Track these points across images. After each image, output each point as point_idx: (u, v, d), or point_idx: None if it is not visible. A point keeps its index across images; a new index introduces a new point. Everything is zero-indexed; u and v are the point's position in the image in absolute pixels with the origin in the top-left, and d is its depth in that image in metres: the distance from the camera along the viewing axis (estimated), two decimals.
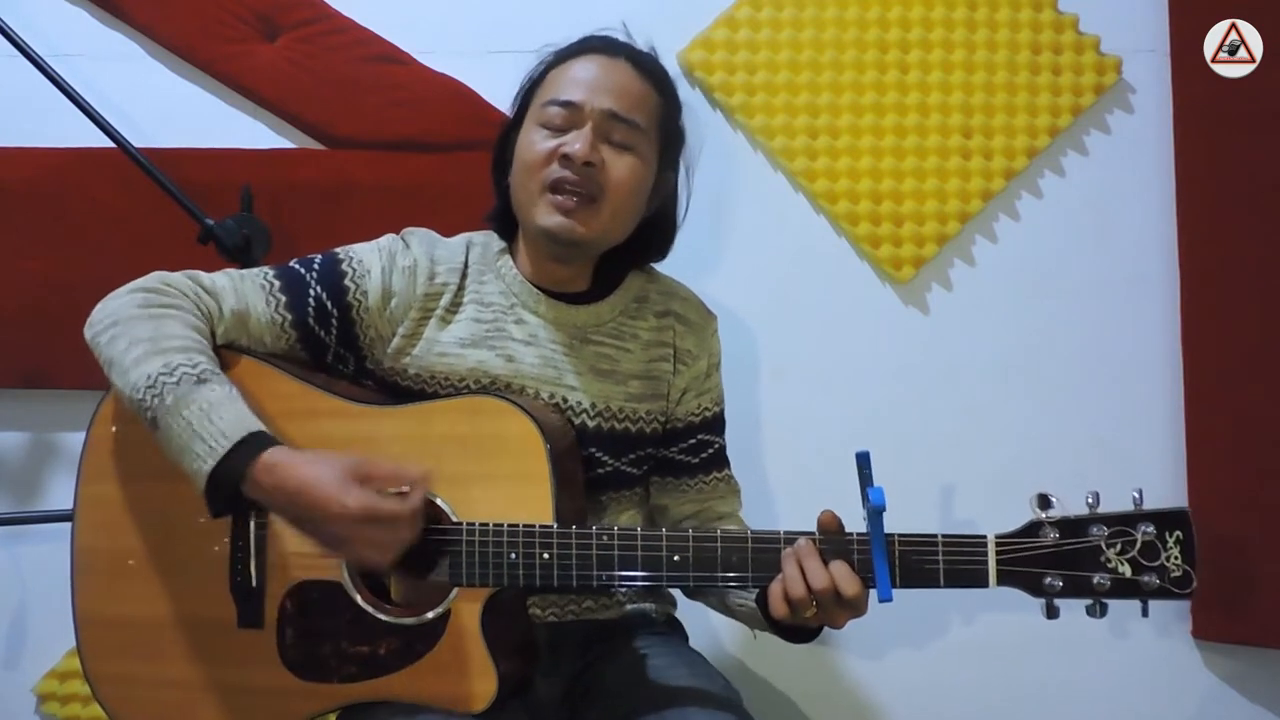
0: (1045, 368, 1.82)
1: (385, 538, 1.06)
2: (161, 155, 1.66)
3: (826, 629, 1.16)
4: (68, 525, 1.25)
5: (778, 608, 1.10)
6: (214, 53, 1.78)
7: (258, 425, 1.10)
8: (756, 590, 1.20)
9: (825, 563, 1.09)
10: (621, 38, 1.35)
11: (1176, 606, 1.77)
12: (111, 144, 1.59)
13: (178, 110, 1.79)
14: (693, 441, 1.40)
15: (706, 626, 1.72)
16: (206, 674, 1.19)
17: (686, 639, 1.42)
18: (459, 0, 1.82)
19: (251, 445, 1.08)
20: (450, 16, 1.82)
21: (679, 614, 1.45)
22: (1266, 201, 1.75)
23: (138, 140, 1.63)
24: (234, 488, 1.08)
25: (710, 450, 1.41)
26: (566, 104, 1.27)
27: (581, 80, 1.28)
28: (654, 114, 1.32)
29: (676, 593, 1.46)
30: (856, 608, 1.10)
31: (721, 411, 1.44)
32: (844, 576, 1.08)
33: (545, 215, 1.26)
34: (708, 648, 1.51)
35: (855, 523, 1.13)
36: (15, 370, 1.75)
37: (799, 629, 1.17)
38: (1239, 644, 1.76)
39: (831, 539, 1.11)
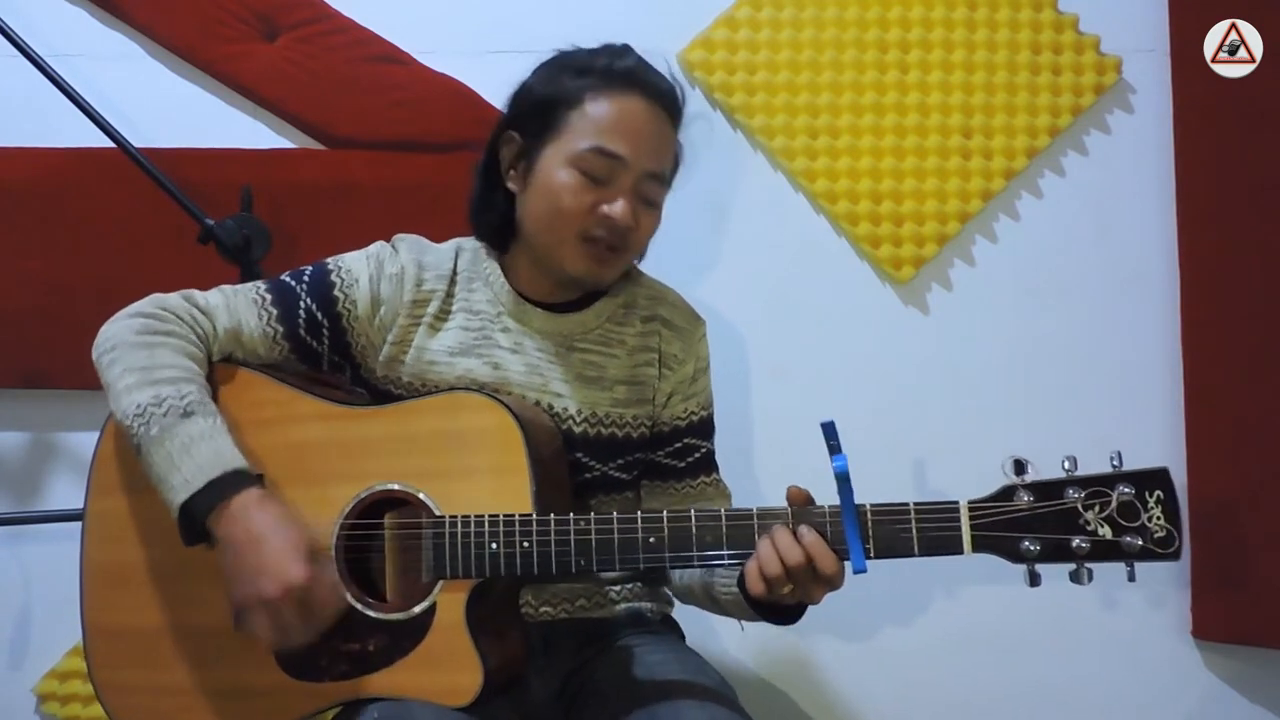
0: (1045, 368, 1.82)
1: (296, 621, 1.09)
2: (161, 155, 1.66)
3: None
4: (68, 525, 1.26)
5: (754, 585, 1.10)
6: (214, 53, 1.78)
7: (236, 463, 1.13)
8: (738, 573, 1.20)
9: (797, 536, 1.09)
10: (649, 61, 1.33)
11: (1176, 607, 1.77)
12: (111, 144, 1.59)
13: (178, 110, 1.79)
14: (679, 445, 1.39)
15: (703, 625, 1.72)
16: (206, 678, 1.20)
17: (683, 638, 1.42)
18: (459, 0, 1.82)
19: (227, 484, 1.11)
20: (450, 16, 1.82)
21: (675, 613, 1.45)
22: (1266, 201, 1.75)
23: (138, 140, 1.63)
24: (202, 521, 1.11)
25: (697, 454, 1.41)
26: (613, 157, 1.25)
27: (629, 132, 1.25)
28: (675, 161, 1.35)
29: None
30: (832, 582, 1.09)
31: (710, 416, 1.43)
32: (820, 552, 1.08)
33: (574, 263, 1.27)
34: (704, 646, 1.51)
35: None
36: (15, 370, 1.75)
37: (782, 610, 1.17)
38: (1239, 644, 1.76)
39: (799, 512, 1.11)
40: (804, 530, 1.09)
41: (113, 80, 1.75)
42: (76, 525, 1.26)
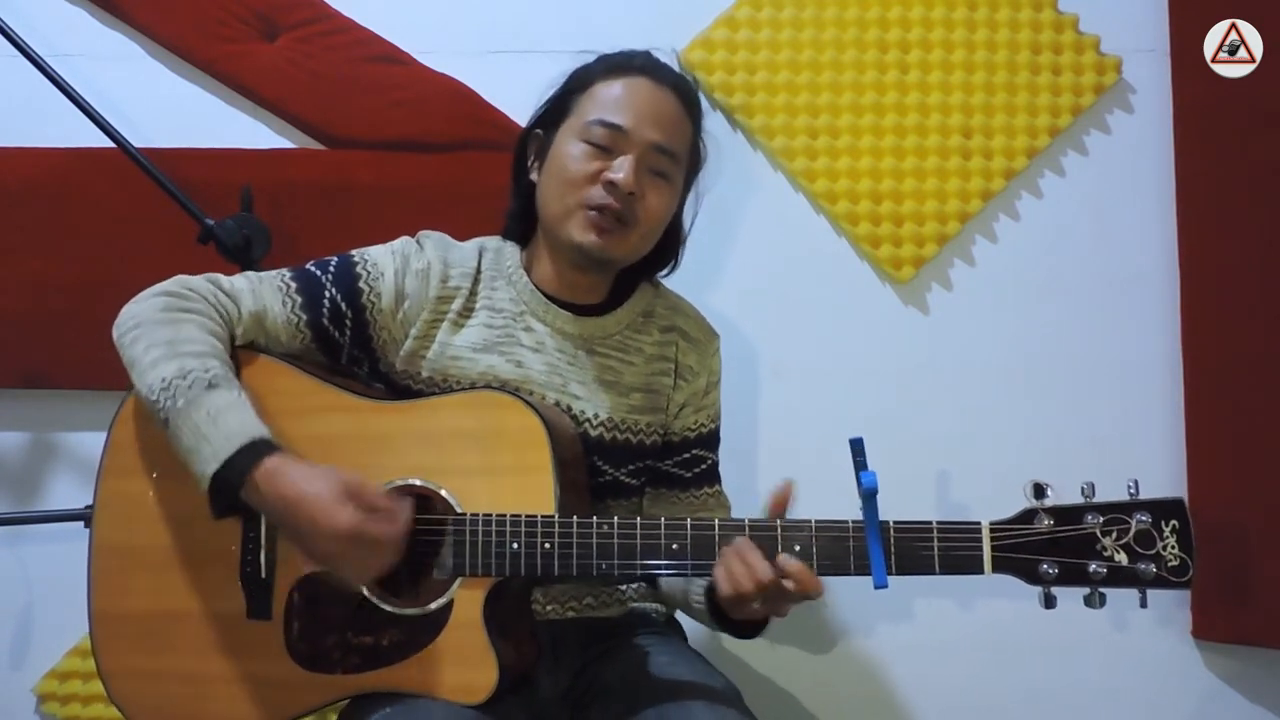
0: (1045, 368, 1.82)
1: (367, 559, 1.09)
2: (161, 155, 1.66)
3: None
4: (68, 525, 1.25)
5: (724, 589, 1.11)
6: (214, 53, 1.78)
7: (262, 431, 1.12)
8: (707, 583, 1.21)
9: (769, 556, 1.10)
10: (663, 58, 1.36)
11: (1176, 607, 1.77)
12: (111, 144, 1.59)
13: (178, 110, 1.79)
14: (687, 456, 1.42)
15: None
16: (215, 666, 1.20)
17: (685, 638, 1.43)
18: (459, 0, 1.82)
19: (253, 451, 1.10)
20: (450, 16, 1.82)
21: (677, 614, 1.45)
22: (1266, 201, 1.75)
23: (138, 140, 1.63)
24: (235, 491, 1.10)
25: (703, 466, 1.43)
26: (615, 127, 1.28)
27: (631, 105, 1.30)
28: (688, 144, 1.35)
29: None
30: (811, 599, 1.11)
31: (717, 429, 1.46)
32: (804, 579, 1.09)
33: (580, 232, 1.28)
34: (706, 646, 1.51)
35: (853, 514, 1.13)
36: (15, 370, 1.75)
37: (744, 624, 1.20)
38: (1239, 644, 1.76)
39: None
40: (785, 559, 1.10)
41: (113, 80, 1.75)
42: (77, 525, 1.26)
